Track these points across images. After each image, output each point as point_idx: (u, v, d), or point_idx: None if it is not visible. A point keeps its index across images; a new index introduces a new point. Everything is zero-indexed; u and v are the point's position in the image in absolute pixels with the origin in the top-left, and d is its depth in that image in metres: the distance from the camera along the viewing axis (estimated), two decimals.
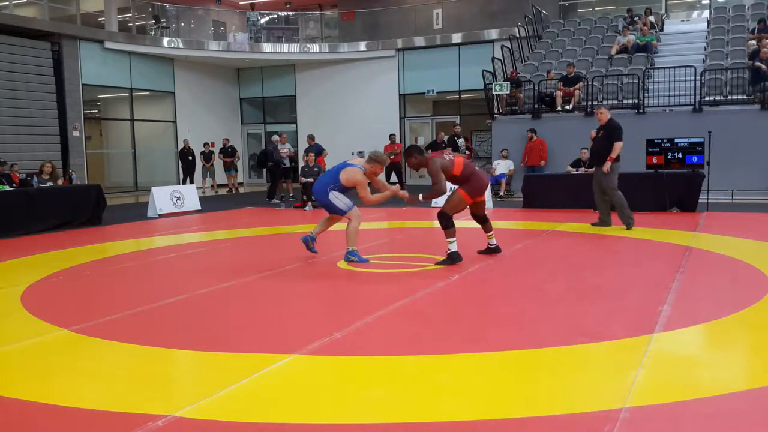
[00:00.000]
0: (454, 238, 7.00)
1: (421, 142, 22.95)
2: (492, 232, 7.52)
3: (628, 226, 9.40)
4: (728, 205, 12.79)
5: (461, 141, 17.50)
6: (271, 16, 25.75)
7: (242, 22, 24.37)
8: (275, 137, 16.81)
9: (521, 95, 16.78)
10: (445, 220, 7.01)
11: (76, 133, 18.77)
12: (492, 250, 7.50)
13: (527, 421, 3.06)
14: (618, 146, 9.35)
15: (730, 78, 15.03)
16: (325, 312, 5.43)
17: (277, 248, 8.92)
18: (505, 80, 16.83)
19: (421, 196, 7.15)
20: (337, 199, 7.14)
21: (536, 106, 16.44)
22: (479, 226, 7.53)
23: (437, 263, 7.03)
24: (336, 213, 7.32)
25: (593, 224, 9.96)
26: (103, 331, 4.68)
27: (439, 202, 8.97)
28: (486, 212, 7.53)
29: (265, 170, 19.24)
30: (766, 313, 4.92)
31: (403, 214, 12.82)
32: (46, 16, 18.76)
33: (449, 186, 7.18)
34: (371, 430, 3.00)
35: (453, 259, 6.96)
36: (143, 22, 22.42)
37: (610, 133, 9.52)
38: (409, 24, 22.93)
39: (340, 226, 10.26)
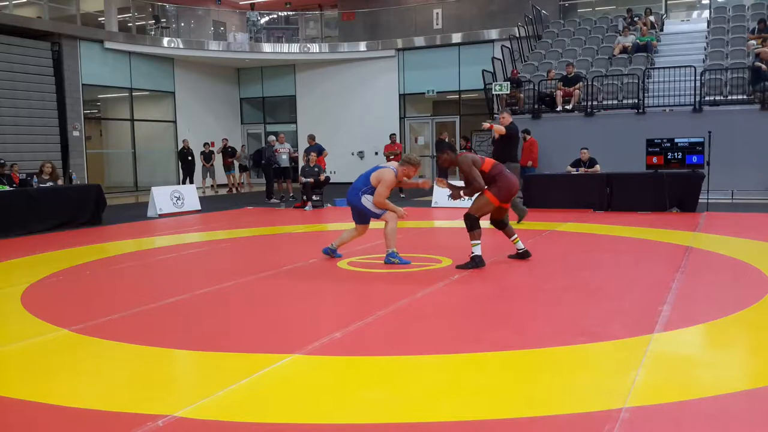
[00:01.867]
0: (479, 241, 6.75)
1: (421, 142, 22.97)
2: (516, 236, 7.17)
3: (519, 220, 10.28)
4: (728, 205, 12.78)
5: None
6: (271, 16, 25.77)
7: (242, 22, 24.38)
8: (271, 137, 16.84)
9: (521, 95, 16.78)
10: (471, 222, 6.76)
11: (76, 133, 18.77)
12: (521, 255, 7.14)
13: (527, 421, 3.06)
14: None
15: (730, 78, 15.03)
16: (325, 312, 5.43)
17: (277, 248, 8.92)
18: (505, 80, 16.83)
19: (462, 192, 6.96)
20: (370, 202, 7.04)
21: (536, 106, 16.43)
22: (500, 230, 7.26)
23: (458, 266, 6.73)
24: (372, 216, 7.18)
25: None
26: (103, 331, 4.68)
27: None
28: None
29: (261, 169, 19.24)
30: (766, 313, 4.92)
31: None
32: (46, 16, 18.77)
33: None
34: (371, 430, 3.00)
35: (476, 263, 6.69)
36: (143, 22, 22.43)
37: (512, 135, 10.34)
38: (409, 24, 22.94)
39: (337, 226, 10.28)
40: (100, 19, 20.61)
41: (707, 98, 14.96)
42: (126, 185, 21.23)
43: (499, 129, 9.88)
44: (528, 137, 15.57)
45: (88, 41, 19.19)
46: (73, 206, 11.53)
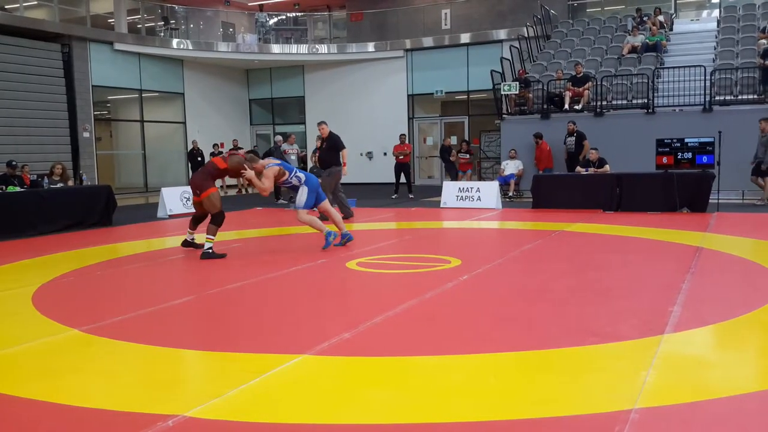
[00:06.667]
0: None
1: (430, 142, 22.95)
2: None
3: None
4: (739, 206, 12.71)
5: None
6: (279, 17, 25.80)
7: (251, 24, 24.45)
8: (278, 137, 16.90)
9: (530, 95, 16.74)
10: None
11: (86, 135, 18.86)
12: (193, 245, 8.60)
13: (537, 422, 3.05)
14: (345, 153, 11.37)
15: (740, 77, 14.93)
16: (335, 312, 5.43)
17: (286, 249, 8.93)
18: (513, 80, 16.79)
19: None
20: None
21: (545, 106, 16.39)
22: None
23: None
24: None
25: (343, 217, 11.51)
26: (113, 331, 4.71)
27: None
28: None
29: None
30: None
31: (412, 214, 12.82)
32: (56, 17, 18.87)
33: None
34: (381, 431, 3.00)
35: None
36: (152, 24, 22.52)
37: (335, 143, 11.31)
38: (417, 24, 22.93)
39: (348, 226, 10.28)
40: (109, 20, 20.71)
41: (717, 98, 14.87)
42: (136, 186, 21.32)
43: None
44: (540, 141, 15.50)
45: (98, 43, 19.28)
46: (83, 207, 11.58)
